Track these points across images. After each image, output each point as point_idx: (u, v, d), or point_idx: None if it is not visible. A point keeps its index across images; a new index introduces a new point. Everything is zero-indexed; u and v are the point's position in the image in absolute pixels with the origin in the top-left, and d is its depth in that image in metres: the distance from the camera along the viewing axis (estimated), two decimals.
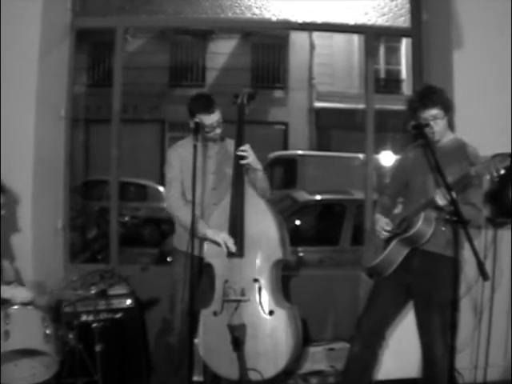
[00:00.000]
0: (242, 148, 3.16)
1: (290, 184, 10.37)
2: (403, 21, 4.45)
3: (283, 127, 14.30)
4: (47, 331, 2.90)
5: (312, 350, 3.97)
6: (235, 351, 3.00)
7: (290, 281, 3.98)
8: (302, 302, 3.41)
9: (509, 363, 3.86)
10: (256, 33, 13.12)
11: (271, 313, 3.07)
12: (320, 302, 4.20)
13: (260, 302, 3.08)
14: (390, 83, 13.86)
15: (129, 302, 3.66)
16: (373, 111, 4.41)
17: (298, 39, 13.85)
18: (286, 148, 13.48)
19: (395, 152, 9.31)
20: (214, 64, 14.00)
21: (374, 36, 4.65)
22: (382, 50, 13.92)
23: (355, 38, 13.35)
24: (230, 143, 3.33)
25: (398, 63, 14.10)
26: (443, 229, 2.94)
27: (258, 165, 3.20)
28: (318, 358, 3.96)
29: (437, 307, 2.95)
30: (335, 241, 6.84)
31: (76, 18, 4.21)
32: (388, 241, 3.10)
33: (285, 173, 11.10)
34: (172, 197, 3.26)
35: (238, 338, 3.00)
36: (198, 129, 3.09)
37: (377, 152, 7.93)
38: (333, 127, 13.45)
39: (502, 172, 2.62)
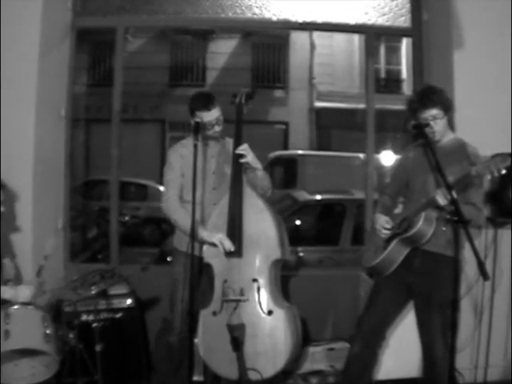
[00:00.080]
0: (240, 147, 3.15)
1: (291, 184, 10.37)
2: (403, 21, 4.45)
3: (283, 127, 14.28)
4: (47, 331, 2.90)
5: (312, 349, 3.97)
6: (234, 351, 3.00)
7: (289, 281, 3.98)
8: (302, 301, 3.41)
9: (509, 363, 3.86)
10: (256, 32, 13.10)
11: (270, 312, 3.06)
12: (320, 301, 4.20)
13: (259, 302, 3.08)
14: (390, 83, 13.84)
15: (129, 301, 3.66)
16: (373, 111, 4.41)
17: (298, 39, 13.83)
18: (286, 148, 13.46)
19: (395, 152, 9.31)
20: (214, 64, 13.99)
21: (374, 36, 4.64)
22: (382, 50, 13.91)
23: (355, 38, 13.34)
24: (230, 142, 3.32)
25: (399, 63, 14.08)
26: (444, 229, 2.93)
27: (257, 164, 3.18)
28: (317, 358, 3.97)
29: (437, 307, 2.95)
30: (335, 240, 6.84)
31: (76, 17, 4.21)
32: (388, 240, 3.10)
33: (285, 172, 11.08)
34: (170, 199, 3.24)
35: (237, 337, 3.00)
36: (199, 128, 3.09)
37: (377, 152, 7.90)
38: (333, 127, 13.44)
39: (503, 172, 2.62)
